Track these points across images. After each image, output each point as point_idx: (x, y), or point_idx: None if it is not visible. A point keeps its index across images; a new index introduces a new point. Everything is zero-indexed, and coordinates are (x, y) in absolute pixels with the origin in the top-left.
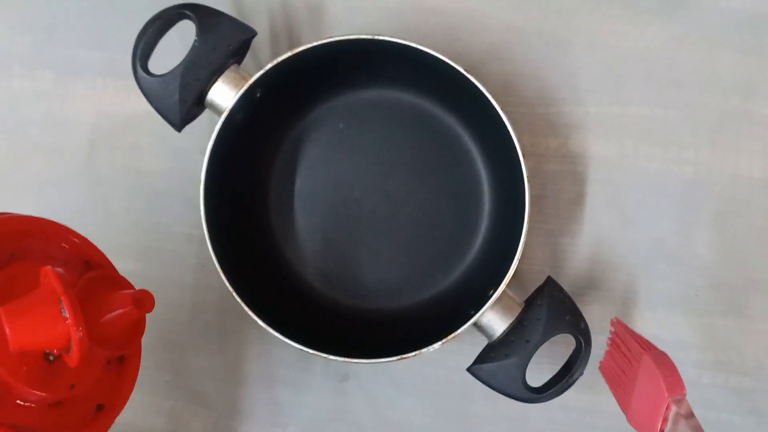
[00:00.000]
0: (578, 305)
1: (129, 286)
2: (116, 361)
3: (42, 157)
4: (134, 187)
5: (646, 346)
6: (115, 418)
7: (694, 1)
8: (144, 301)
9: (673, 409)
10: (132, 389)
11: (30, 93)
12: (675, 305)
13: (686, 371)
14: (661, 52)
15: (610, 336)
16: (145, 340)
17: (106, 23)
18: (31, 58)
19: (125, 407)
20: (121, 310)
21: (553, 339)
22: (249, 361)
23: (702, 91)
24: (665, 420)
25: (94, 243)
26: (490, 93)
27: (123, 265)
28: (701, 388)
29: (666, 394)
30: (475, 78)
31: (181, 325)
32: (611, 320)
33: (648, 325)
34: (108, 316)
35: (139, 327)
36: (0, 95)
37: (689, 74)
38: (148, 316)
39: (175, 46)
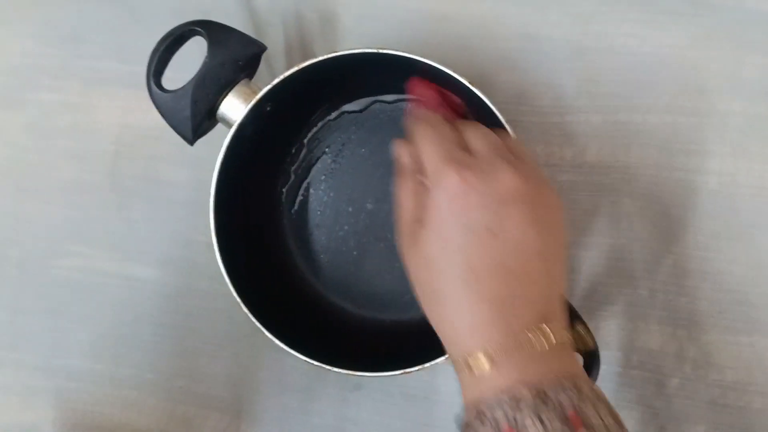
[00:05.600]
0: (593, 320)
1: None
2: None
3: (69, 165)
4: (155, 196)
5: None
6: None
7: (718, 1)
8: None
9: None
10: None
11: (57, 104)
12: (697, 322)
13: (708, 390)
14: (684, 56)
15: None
16: (162, 347)
17: (129, 36)
18: (59, 71)
19: (142, 412)
20: None
21: None
22: (262, 368)
23: (727, 97)
24: None
25: (117, 250)
26: (494, 104)
27: (143, 272)
28: (722, 409)
29: None
30: (486, 87)
31: (198, 332)
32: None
33: (668, 341)
34: None
35: None
36: (31, 106)
37: (714, 79)
38: (167, 323)
39: (196, 60)
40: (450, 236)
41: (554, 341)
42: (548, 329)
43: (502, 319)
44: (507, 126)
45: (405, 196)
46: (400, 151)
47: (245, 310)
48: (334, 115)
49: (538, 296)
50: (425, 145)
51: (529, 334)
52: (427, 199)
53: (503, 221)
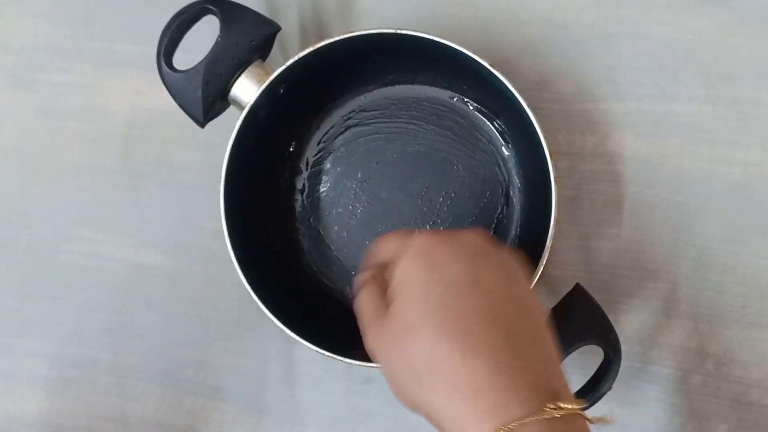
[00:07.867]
0: (613, 314)
1: None
2: None
3: (80, 148)
4: (166, 180)
5: None
6: None
7: None
8: None
9: None
10: None
11: (69, 86)
12: (719, 317)
13: (731, 387)
14: (712, 44)
15: None
16: (170, 336)
17: (142, 17)
18: (71, 51)
19: (148, 402)
20: None
21: (585, 349)
22: (271, 359)
23: (755, 85)
24: None
25: (127, 235)
26: (516, 88)
27: (153, 258)
28: (746, 407)
29: None
30: (507, 73)
31: (207, 322)
32: None
33: (690, 337)
34: None
35: None
36: (42, 88)
37: (742, 67)
38: (176, 311)
39: (210, 41)
40: (427, 294)
41: (569, 414)
42: (562, 403)
43: (508, 379)
44: (526, 107)
45: (364, 299)
46: (357, 279)
47: (255, 298)
48: (351, 100)
49: (536, 356)
50: (382, 244)
51: (548, 406)
52: (393, 276)
53: (479, 270)
